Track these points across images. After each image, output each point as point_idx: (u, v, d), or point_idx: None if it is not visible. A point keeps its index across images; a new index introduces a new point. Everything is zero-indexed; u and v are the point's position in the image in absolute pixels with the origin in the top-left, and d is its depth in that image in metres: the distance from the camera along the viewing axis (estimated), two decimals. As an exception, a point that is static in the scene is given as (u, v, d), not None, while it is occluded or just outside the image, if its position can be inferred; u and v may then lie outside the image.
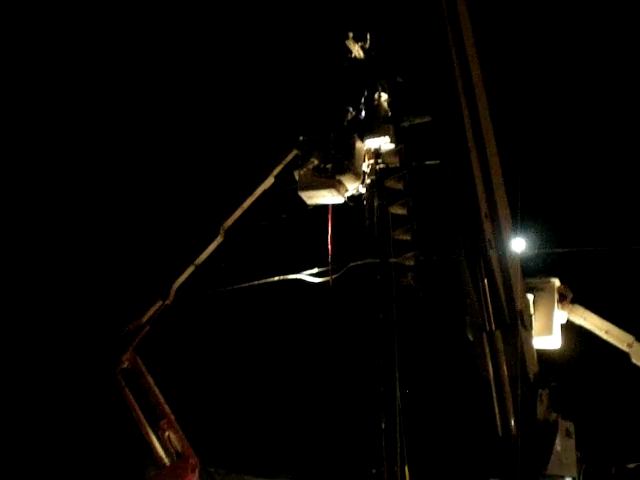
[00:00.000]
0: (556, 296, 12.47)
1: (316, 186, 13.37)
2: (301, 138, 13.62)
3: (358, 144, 13.49)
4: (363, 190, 13.65)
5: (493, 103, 10.60)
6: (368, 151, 13.73)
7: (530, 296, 11.52)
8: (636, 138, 19.52)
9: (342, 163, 13.22)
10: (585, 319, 12.66)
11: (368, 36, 13.81)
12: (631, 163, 19.37)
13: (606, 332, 12.53)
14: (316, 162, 13.26)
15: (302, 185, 13.50)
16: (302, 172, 13.39)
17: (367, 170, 13.66)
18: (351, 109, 13.89)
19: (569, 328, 12.72)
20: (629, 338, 12.40)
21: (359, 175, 13.44)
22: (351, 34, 13.67)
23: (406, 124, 13.40)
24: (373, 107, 13.69)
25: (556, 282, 12.69)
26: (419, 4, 10.92)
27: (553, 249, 13.60)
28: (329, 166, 13.21)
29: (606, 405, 18.22)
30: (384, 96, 13.73)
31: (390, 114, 13.62)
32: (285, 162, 13.78)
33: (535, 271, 12.64)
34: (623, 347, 12.43)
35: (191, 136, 20.62)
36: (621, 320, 12.66)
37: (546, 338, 12.19)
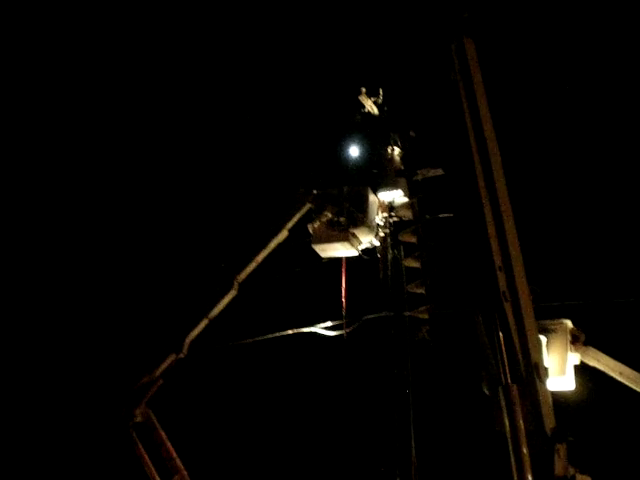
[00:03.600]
0: (569, 337, 12.52)
1: (330, 239, 13.44)
2: (315, 192, 13.73)
3: (371, 197, 13.58)
4: (377, 243, 13.69)
5: (505, 154, 10.65)
6: (382, 204, 13.82)
7: (543, 338, 11.52)
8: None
9: (355, 216, 13.31)
10: (599, 361, 12.65)
11: (381, 91, 13.99)
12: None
13: (620, 374, 12.50)
14: (329, 215, 13.36)
15: (316, 238, 13.57)
16: (316, 225, 13.47)
17: (381, 223, 13.72)
18: (362, 156, 14.02)
19: (583, 371, 12.74)
20: None
21: (372, 228, 13.50)
22: (364, 89, 13.85)
23: (419, 177, 13.48)
24: (386, 161, 13.81)
25: (569, 324, 12.72)
26: (431, 60, 11.08)
27: (567, 301, 13.55)
28: (342, 219, 13.30)
29: (623, 450, 18.01)
30: (397, 150, 13.85)
31: (403, 168, 13.72)
32: (299, 216, 13.86)
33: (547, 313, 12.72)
34: (638, 389, 12.40)
35: (207, 189, 20.72)
36: (634, 362, 12.65)
37: (559, 379, 12.20)
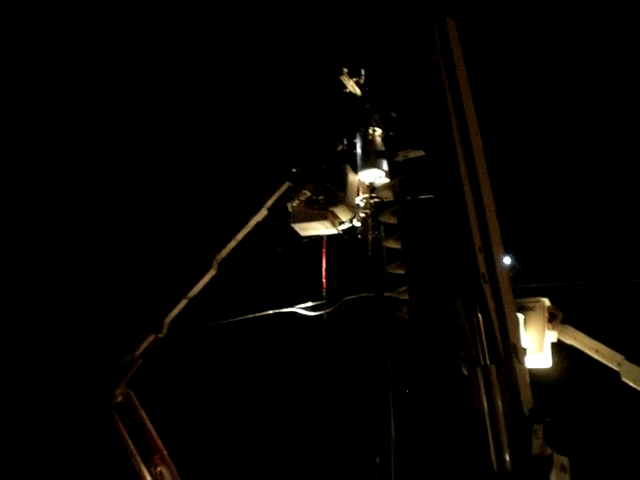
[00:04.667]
0: (546, 316, 12.69)
1: (309, 218, 13.42)
2: (294, 170, 13.70)
3: (351, 176, 13.56)
4: (358, 224, 13.68)
5: (485, 135, 10.69)
6: (362, 185, 13.80)
7: (520, 316, 11.64)
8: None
9: (334, 195, 13.29)
10: (575, 339, 12.82)
11: (363, 72, 13.95)
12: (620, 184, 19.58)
13: (596, 351, 12.67)
14: (308, 194, 13.33)
15: (295, 217, 13.56)
16: (295, 204, 13.46)
17: (361, 204, 13.71)
18: (345, 140, 13.98)
19: (560, 348, 12.92)
20: (619, 357, 12.52)
21: (352, 207, 13.50)
22: (346, 70, 13.79)
23: (400, 158, 13.47)
24: (367, 142, 13.78)
25: (546, 302, 12.88)
26: (413, 41, 11.06)
27: (544, 281, 13.67)
28: (321, 198, 13.28)
29: (599, 427, 18.25)
30: (378, 131, 13.82)
31: (384, 148, 13.71)
32: (278, 194, 13.83)
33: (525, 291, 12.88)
34: (613, 366, 12.55)
35: (186, 167, 20.64)
36: (610, 340, 12.82)
37: (536, 357, 12.41)
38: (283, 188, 13.82)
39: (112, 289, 18.93)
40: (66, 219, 20.85)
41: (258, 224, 13.87)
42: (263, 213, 13.86)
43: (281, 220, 13.77)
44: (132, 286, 17.33)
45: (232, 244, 13.75)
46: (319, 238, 13.79)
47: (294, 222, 13.59)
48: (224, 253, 13.72)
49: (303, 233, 13.76)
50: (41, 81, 21.37)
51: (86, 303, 19.39)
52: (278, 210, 13.85)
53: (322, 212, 13.35)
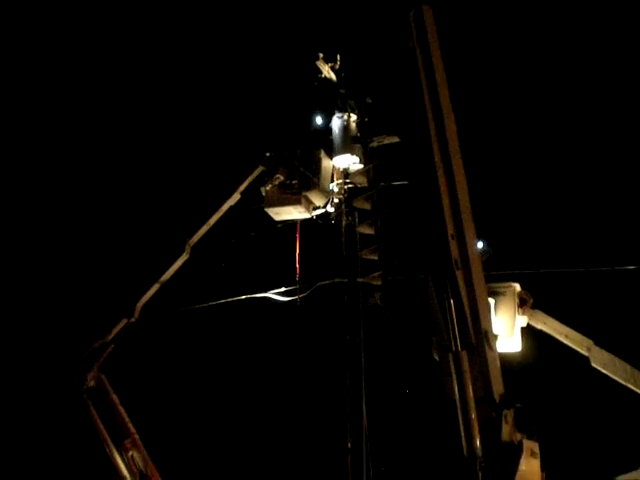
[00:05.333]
0: (516, 301, 12.84)
1: (282, 202, 13.39)
2: (267, 154, 13.64)
3: (325, 161, 13.53)
4: (332, 209, 13.68)
5: (460, 122, 10.72)
6: (337, 171, 13.79)
7: (491, 300, 11.75)
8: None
9: (308, 179, 13.25)
10: (545, 323, 12.99)
11: (338, 57, 13.91)
12: (586, 168, 19.78)
13: (566, 336, 12.85)
14: (282, 178, 13.29)
15: (268, 201, 13.52)
16: (268, 188, 13.42)
17: (336, 189, 13.71)
18: (319, 125, 13.95)
19: (530, 333, 13.09)
20: (588, 342, 12.72)
21: (326, 192, 13.48)
22: (321, 55, 13.76)
23: (375, 144, 13.47)
24: (342, 127, 13.75)
25: (517, 287, 13.04)
26: (389, 27, 11.05)
27: (515, 268, 13.78)
28: (295, 182, 13.24)
29: (568, 412, 18.47)
30: (353, 117, 13.80)
31: (359, 134, 13.69)
32: (251, 178, 13.78)
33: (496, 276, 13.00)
34: (582, 351, 12.71)
35: (156, 151, 20.50)
36: (579, 325, 13.00)
37: (507, 341, 12.56)
38: (256, 172, 13.76)
39: (84, 273, 18.79)
40: (33, 204, 20.67)
41: (231, 208, 13.81)
42: (236, 197, 13.80)
43: (255, 205, 13.73)
44: (104, 270, 17.22)
45: (205, 228, 13.69)
46: (293, 223, 13.77)
47: (267, 206, 13.55)
48: (196, 238, 13.66)
49: (277, 217, 13.73)
50: (30, 75, 21.19)
51: (58, 287, 19.24)
52: (252, 194, 13.80)
53: (296, 196, 13.31)
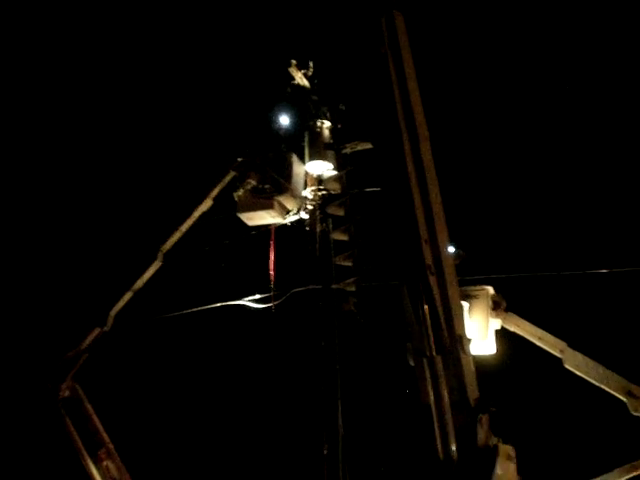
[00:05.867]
0: (490, 304, 12.93)
1: (254, 207, 13.37)
2: (239, 159, 13.62)
3: (297, 165, 13.53)
4: (306, 216, 13.68)
5: (432, 128, 10.75)
6: (310, 177, 13.80)
7: (465, 303, 11.82)
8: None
9: (280, 183, 13.24)
10: (518, 326, 13.09)
11: (311, 64, 13.93)
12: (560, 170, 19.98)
13: (539, 338, 12.93)
14: (253, 183, 13.28)
15: (241, 207, 13.50)
16: (240, 193, 13.40)
17: (310, 196, 13.71)
18: (289, 126, 13.96)
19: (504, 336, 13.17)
20: (561, 344, 12.80)
21: (299, 196, 13.48)
22: (294, 61, 13.77)
23: (348, 151, 13.51)
24: (315, 134, 13.77)
25: (490, 290, 13.13)
26: (361, 34, 11.07)
27: (490, 272, 13.86)
28: (267, 187, 13.24)
29: (542, 414, 18.60)
30: (327, 123, 13.83)
31: (332, 141, 13.71)
32: (223, 184, 13.75)
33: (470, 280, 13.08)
34: (556, 353, 12.81)
35: (126, 158, 20.39)
36: (553, 328, 13.10)
37: (481, 344, 12.69)
38: (228, 178, 13.73)
39: (55, 282, 18.63)
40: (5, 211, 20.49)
41: (203, 214, 13.78)
42: (208, 203, 13.77)
43: (228, 211, 13.70)
44: (76, 279, 17.08)
45: (177, 235, 13.65)
46: (267, 230, 13.75)
47: (240, 212, 13.53)
48: (169, 244, 13.62)
49: (250, 223, 13.70)
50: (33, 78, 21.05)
51: (29, 297, 19.07)
52: (225, 201, 13.77)
53: (268, 201, 13.30)
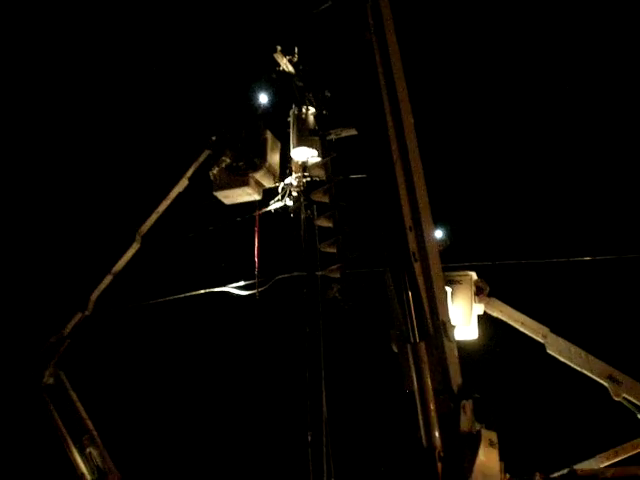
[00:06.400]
0: (473, 289, 12.99)
1: (230, 185, 13.35)
2: (213, 138, 13.57)
3: (271, 140, 13.50)
4: (290, 203, 13.66)
5: (417, 115, 10.73)
6: (295, 164, 13.76)
7: (448, 289, 11.87)
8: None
9: (254, 159, 13.21)
10: (501, 311, 13.18)
11: (296, 50, 13.86)
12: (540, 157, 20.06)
13: (522, 324, 13.03)
14: (228, 161, 13.26)
15: (217, 185, 13.49)
16: (215, 172, 13.39)
17: (294, 183, 13.67)
18: (267, 104, 13.90)
19: (487, 321, 13.25)
20: (544, 329, 12.90)
21: (274, 171, 13.44)
22: (279, 47, 13.70)
23: (333, 137, 13.45)
24: (300, 120, 13.72)
25: (473, 276, 13.20)
26: (346, 19, 11.02)
27: (473, 262, 13.91)
28: (241, 164, 13.20)
29: (525, 400, 18.70)
30: (311, 109, 13.77)
31: (317, 127, 13.66)
32: (198, 163, 13.72)
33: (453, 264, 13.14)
34: (538, 338, 12.89)
35: (104, 138, 20.24)
36: (535, 313, 13.18)
37: (464, 329, 12.77)
38: (203, 157, 13.69)
39: (34, 267, 18.49)
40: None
41: (179, 194, 13.74)
42: (184, 183, 13.74)
43: (206, 191, 13.66)
44: (54, 264, 16.97)
45: (154, 217, 13.62)
46: (251, 217, 13.73)
47: (216, 190, 13.51)
48: (146, 227, 13.59)
49: (227, 201, 13.68)
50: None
51: (7, 282, 18.91)
52: (203, 181, 13.73)
53: (243, 178, 13.28)
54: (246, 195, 13.44)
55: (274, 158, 13.51)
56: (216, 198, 13.66)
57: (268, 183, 13.46)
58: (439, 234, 11.52)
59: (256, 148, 13.30)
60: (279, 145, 13.63)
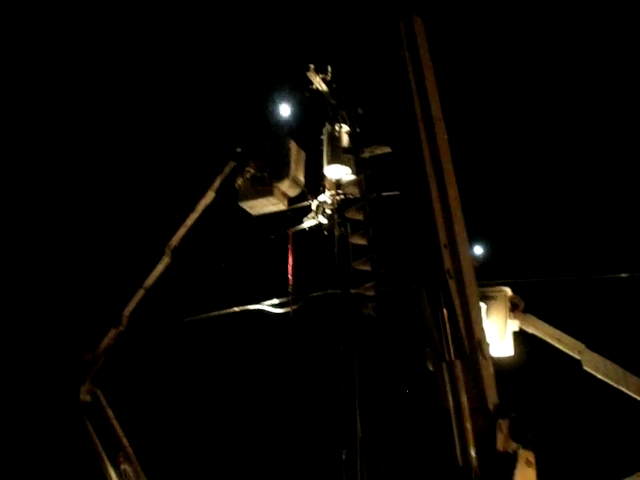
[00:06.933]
0: (508, 305, 12.86)
1: (254, 195, 13.43)
2: (238, 149, 13.66)
3: (295, 150, 13.54)
4: (324, 220, 13.67)
5: (451, 132, 10.72)
6: (329, 182, 13.78)
7: (482, 305, 11.77)
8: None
9: (278, 169, 13.26)
10: (537, 328, 13.04)
11: (329, 68, 13.92)
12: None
13: (558, 340, 12.89)
14: (252, 171, 13.35)
15: (242, 196, 13.58)
16: (240, 182, 13.48)
17: (328, 200, 13.69)
18: (289, 114, 13.95)
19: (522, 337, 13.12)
20: (580, 346, 12.75)
21: (298, 181, 13.48)
22: (312, 66, 13.75)
23: (366, 155, 13.46)
24: (334, 138, 13.75)
25: (508, 291, 13.08)
26: (380, 38, 11.05)
27: (508, 279, 13.80)
28: (265, 174, 13.26)
29: (562, 416, 18.49)
30: (345, 127, 13.79)
31: (351, 145, 13.68)
32: (224, 175, 13.80)
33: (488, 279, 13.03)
34: (574, 354, 12.74)
35: (133, 153, 20.38)
36: (570, 329, 13.04)
37: (498, 345, 12.60)
38: (228, 168, 13.79)
39: (66, 284, 18.60)
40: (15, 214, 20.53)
41: (207, 207, 13.83)
42: (211, 196, 13.83)
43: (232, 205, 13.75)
44: (86, 280, 17.07)
45: (183, 230, 13.74)
46: (285, 235, 13.76)
47: (241, 201, 13.60)
48: (175, 240, 13.69)
49: (252, 211, 13.76)
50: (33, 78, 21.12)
51: (40, 300, 19.05)
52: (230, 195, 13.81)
53: (267, 188, 13.35)
54: (271, 205, 13.51)
55: (299, 168, 13.56)
56: (242, 209, 13.73)
57: (292, 192, 13.52)
58: (476, 251, 11.46)
59: (280, 158, 13.38)
60: (304, 155, 13.69)
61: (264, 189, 13.38)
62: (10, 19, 20.47)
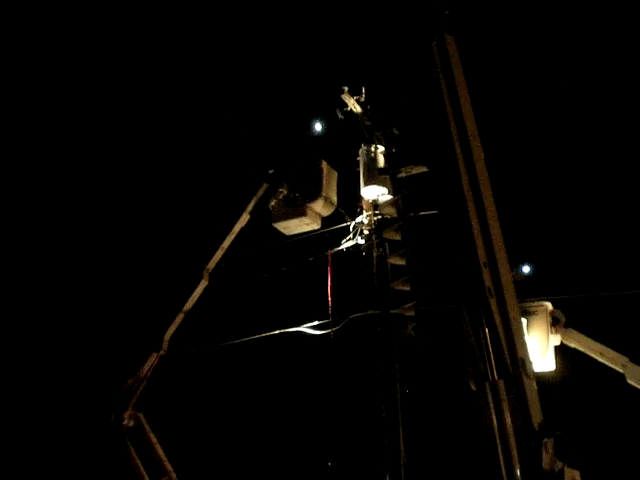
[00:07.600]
0: (549, 320, 12.72)
1: (287, 216, 13.49)
2: (271, 171, 13.73)
3: (327, 170, 13.57)
4: (362, 241, 13.66)
5: (487, 149, 10.68)
6: (366, 202, 13.79)
7: (523, 320, 11.65)
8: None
9: (310, 190, 13.29)
10: (579, 342, 12.86)
11: (363, 90, 13.97)
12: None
13: (600, 354, 12.69)
14: (285, 192, 13.41)
15: (275, 217, 13.65)
16: (273, 203, 13.55)
17: (366, 221, 13.70)
18: (320, 134, 14.02)
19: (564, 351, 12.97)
20: (623, 359, 12.53)
21: (330, 200, 13.50)
22: (346, 88, 13.82)
23: (403, 175, 13.46)
24: (370, 159, 13.77)
25: (549, 306, 12.93)
26: (413, 58, 11.09)
27: (550, 295, 13.67)
28: (298, 194, 13.31)
29: (606, 431, 18.20)
30: (380, 148, 13.82)
31: (387, 165, 13.70)
32: (258, 197, 13.88)
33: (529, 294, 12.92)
34: (618, 368, 12.53)
35: (169, 182, 20.56)
36: (613, 342, 12.84)
37: (540, 360, 12.45)
38: (261, 191, 13.86)
39: (109, 309, 18.77)
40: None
41: (242, 229, 13.92)
42: (245, 218, 13.93)
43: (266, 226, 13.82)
44: (123, 304, 17.23)
45: (219, 253, 13.83)
46: (324, 256, 13.76)
47: (275, 222, 13.67)
48: (213, 263, 13.78)
49: (286, 232, 13.82)
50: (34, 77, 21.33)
51: (84, 325, 19.23)
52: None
53: (299, 208, 13.40)
54: (304, 225, 13.57)
55: (331, 187, 13.61)
56: (276, 230, 13.80)
57: (326, 212, 13.57)
58: (518, 270, 11.37)
59: (312, 178, 13.45)
60: (335, 175, 13.74)
61: (297, 209, 13.45)
62: (15, 20, 20.76)
